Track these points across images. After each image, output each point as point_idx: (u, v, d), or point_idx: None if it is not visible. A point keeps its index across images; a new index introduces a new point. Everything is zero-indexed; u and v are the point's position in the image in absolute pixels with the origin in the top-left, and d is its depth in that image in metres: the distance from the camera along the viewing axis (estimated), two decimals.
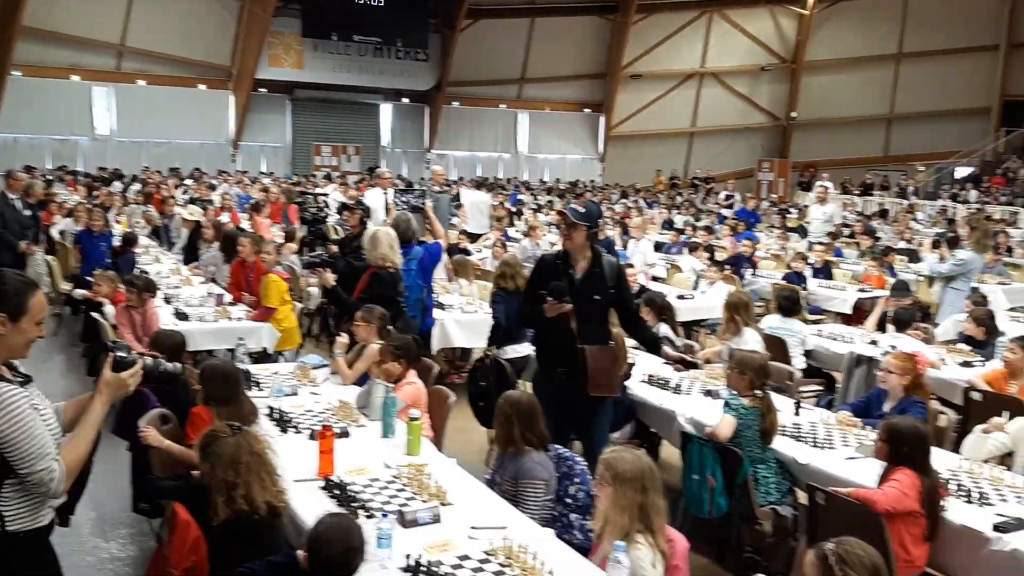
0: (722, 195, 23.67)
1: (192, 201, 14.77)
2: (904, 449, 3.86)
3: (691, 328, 9.08)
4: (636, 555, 3.11)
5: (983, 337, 6.87)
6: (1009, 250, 13.44)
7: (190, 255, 10.62)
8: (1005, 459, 4.71)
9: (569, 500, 3.97)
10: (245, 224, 12.22)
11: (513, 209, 17.96)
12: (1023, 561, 3.55)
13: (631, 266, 9.28)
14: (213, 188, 18.02)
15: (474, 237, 12.71)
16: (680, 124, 30.72)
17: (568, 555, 3.33)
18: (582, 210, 4.90)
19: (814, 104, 30.19)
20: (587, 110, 30.08)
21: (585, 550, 3.47)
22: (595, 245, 4.99)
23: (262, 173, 24.00)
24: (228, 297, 7.98)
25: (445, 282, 9.07)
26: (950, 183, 25.70)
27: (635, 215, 15.90)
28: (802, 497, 4.46)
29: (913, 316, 7.21)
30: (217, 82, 24.68)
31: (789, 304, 7.20)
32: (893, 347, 6.14)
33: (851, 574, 2.53)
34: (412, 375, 5.10)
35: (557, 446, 4.13)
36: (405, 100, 27.90)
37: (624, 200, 22.43)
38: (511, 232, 13.93)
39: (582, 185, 27.16)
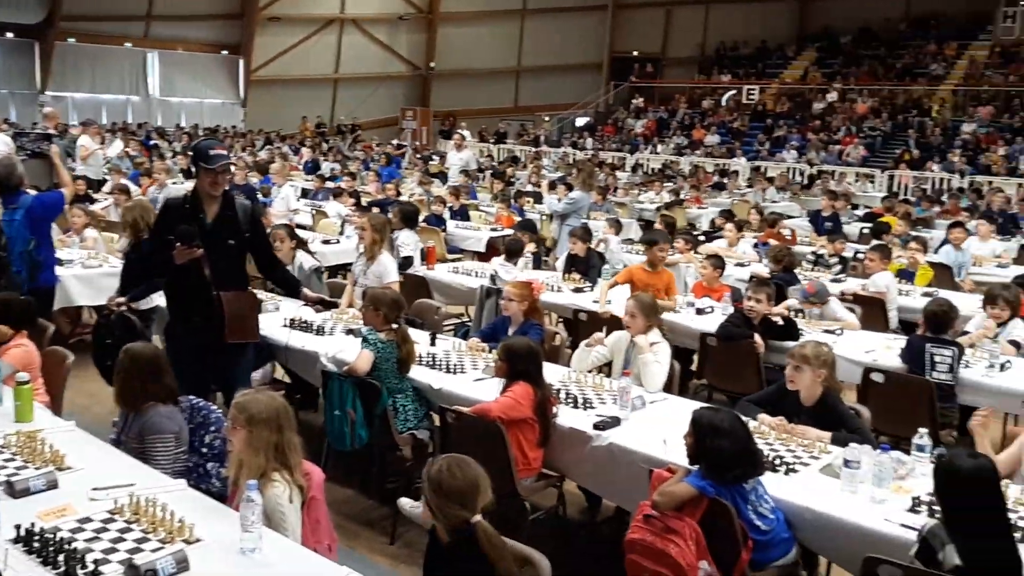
0: (394, 142, 23.99)
1: None
2: (519, 366, 4.28)
3: (338, 271, 9.16)
4: (273, 492, 3.14)
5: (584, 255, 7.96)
6: (615, 190, 15.16)
7: None
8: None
9: (205, 449, 3.87)
10: None
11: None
12: (615, 452, 4.14)
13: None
14: None
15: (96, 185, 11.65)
16: (323, 70, 30.33)
17: (204, 502, 3.28)
18: (227, 152, 4.75)
19: (451, 55, 31.35)
20: (225, 52, 28.57)
21: (224, 497, 3.44)
22: (227, 189, 4.85)
23: None
24: None
25: (62, 235, 8.22)
26: (571, 132, 28.26)
27: (279, 161, 15.54)
28: (437, 420, 4.78)
29: (522, 246, 7.92)
30: None
31: None
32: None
33: (444, 499, 2.81)
34: (21, 337, 4.61)
35: (191, 397, 4.00)
36: (9, 35, 24.48)
37: (268, 147, 21.79)
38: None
39: (223, 131, 25.87)
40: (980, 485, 3.02)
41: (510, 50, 31.30)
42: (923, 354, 5.30)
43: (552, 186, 11.48)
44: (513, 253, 7.70)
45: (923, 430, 3.97)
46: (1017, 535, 3.19)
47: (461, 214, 11.65)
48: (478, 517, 2.84)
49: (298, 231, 9.72)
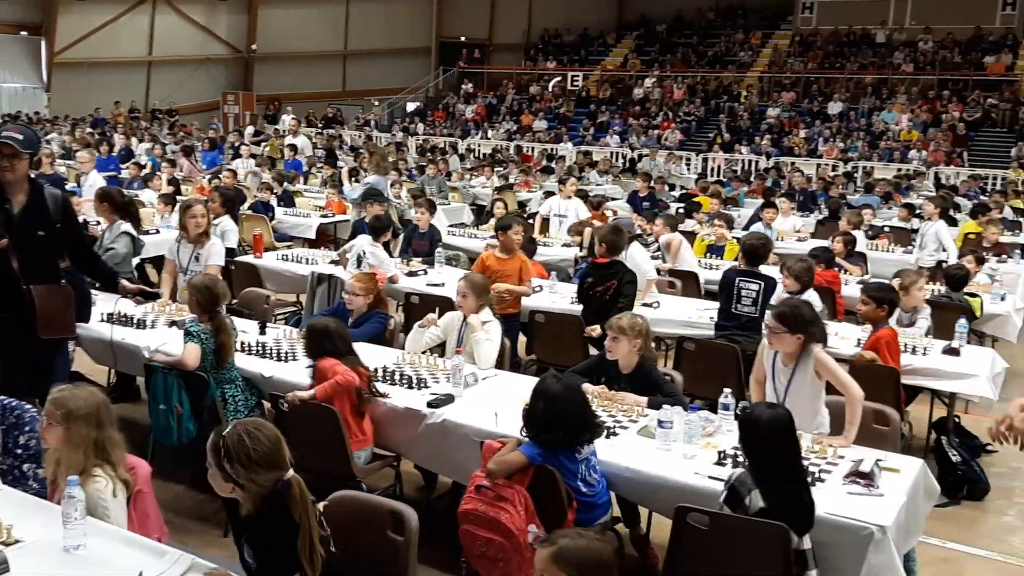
0: (250, 130, 22.91)
1: None
2: (320, 345, 4.42)
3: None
4: (95, 487, 3.06)
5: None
6: (448, 175, 15.29)
7: None
8: None
9: (20, 451, 3.67)
10: None
11: None
12: (449, 428, 4.27)
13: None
14: None
15: None
16: (136, 52, 28.64)
17: (23, 501, 3.16)
18: (21, 136, 4.43)
19: (274, 38, 30.37)
20: (25, 33, 26.46)
21: (43, 497, 3.30)
22: (34, 177, 4.59)
23: None
24: None
25: None
26: (402, 117, 28.14)
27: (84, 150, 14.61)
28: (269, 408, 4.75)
29: (387, 223, 7.82)
30: None
31: None
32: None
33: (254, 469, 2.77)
34: None
35: (2, 396, 3.79)
36: None
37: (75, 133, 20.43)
38: None
39: (26, 117, 24.00)
40: (778, 434, 3.37)
41: (336, 33, 30.70)
42: (732, 286, 5.76)
43: (352, 173, 11.32)
44: (378, 231, 7.46)
45: (727, 390, 4.33)
46: (809, 479, 3.57)
47: (285, 200, 11.41)
48: (291, 472, 2.82)
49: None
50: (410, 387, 4.64)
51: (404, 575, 3.17)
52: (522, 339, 6.59)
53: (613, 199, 14.02)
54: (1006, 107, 22.11)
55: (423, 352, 5.23)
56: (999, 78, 23.11)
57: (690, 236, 9.75)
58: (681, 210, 11.44)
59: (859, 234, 9.33)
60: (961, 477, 5.32)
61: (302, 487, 2.81)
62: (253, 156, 16.24)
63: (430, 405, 4.35)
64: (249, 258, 7.85)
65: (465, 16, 30.76)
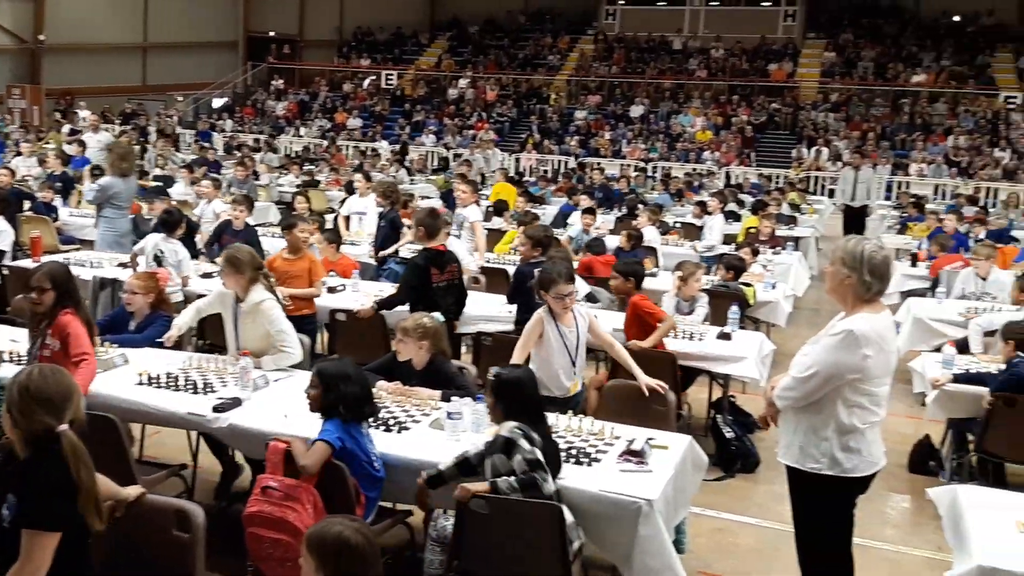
0: (67, 128, 20.90)
1: None
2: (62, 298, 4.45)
3: None
4: None
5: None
6: (255, 174, 14.83)
7: None
8: None
9: None
10: None
11: None
12: (237, 432, 4.19)
13: None
14: None
15: None
16: None
17: None
18: None
19: (65, 28, 28.27)
20: None
21: None
22: None
23: None
24: None
25: None
26: (208, 113, 27.01)
27: None
28: None
29: (180, 218, 7.37)
30: None
31: None
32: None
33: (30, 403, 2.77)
34: None
35: None
36: None
37: None
38: None
39: None
40: (518, 387, 3.75)
41: (134, 24, 28.96)
42: (528, 277, 5.98)
43: (93, 171, 10.65)
44: (171, 226, 7.06)
45: None
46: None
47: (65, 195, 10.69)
48: (65, 426, 2.76)
49: None
50: (195, 391, 4.50)
51: (192, 574, 3.14)
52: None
53: (427, 197, 14.12)
54: (788, 111, 24.02)
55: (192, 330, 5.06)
56: (781, 84, 25.07)
57: (499, 234, 10.00)
58: (490, 208, 11.67)
59: (653, 229, 9.88)
60: (735, 452, 5.76)
61: (76, 445, 2.75)
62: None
63: (215, 410, 4.25)
64: (27, 262, 7.32)
65: (275, 11, 29.90)
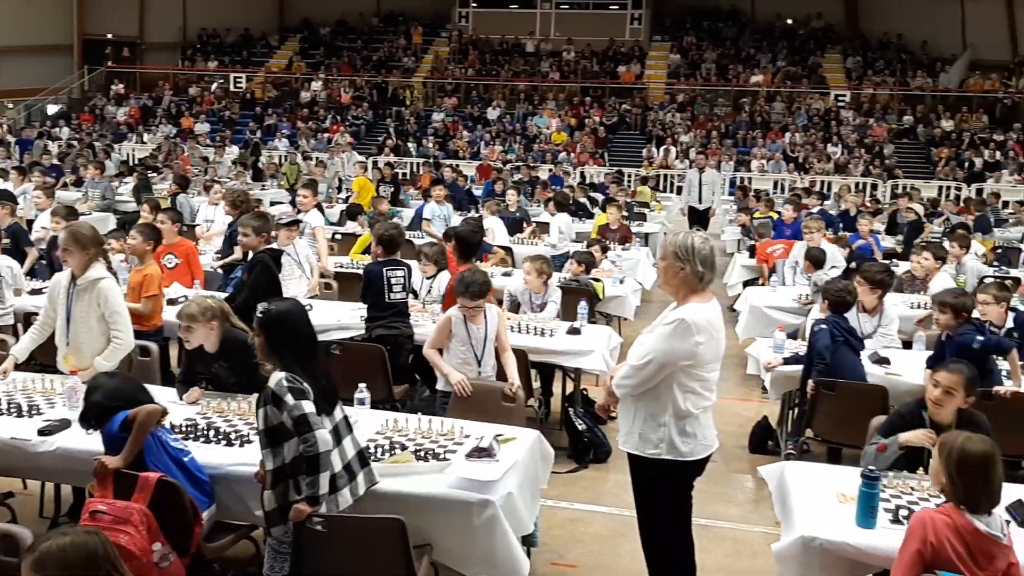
0: None
1: None
2: None
3: None
4: None
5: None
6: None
7: None
8: None
9: None
10: None
11: None
12: (65, 456, 3.95)
13: None
14: None
15: None
16: None
17: None
18: None
19: None
20: None
21: None
22: None
23: None
24: None
25: None
26: (41, 120, 25.42)
27: None
28: None
29: None
30: None
31: None
32: None
33: None
34: None
35: None
36: None
37: None
38: None
39: None
40: (285, 319, 3.59)
41: None
42: (381, 278, 5.93)
43: None
44: None
45: (362, 385, 4.46)
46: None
47: None
48: None
49: None
50: (20, 415, 4.22)
51: None
52: None
53: (278, 203, 13.76)
54: (637, 112, 24.82)
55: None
56: (630, 86, 25.89)
57: (353, 238, 9.86)
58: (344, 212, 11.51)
59: (496, 220, 10.13)
60: (587, 443, 5.90)
61: None
62: None
63: (41, 433, 3.99)
64: None
65: (112, 12, 28.38)
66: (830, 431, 5.33)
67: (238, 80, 26.53)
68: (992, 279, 7.79)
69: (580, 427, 5.90)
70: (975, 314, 5.38)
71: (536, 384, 6.30)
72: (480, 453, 3.90)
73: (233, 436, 4.03)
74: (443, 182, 12.41)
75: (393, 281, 6.02)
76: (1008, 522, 3.20)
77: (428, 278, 6.70)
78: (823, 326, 5.43)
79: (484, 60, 27.62)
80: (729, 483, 5.66)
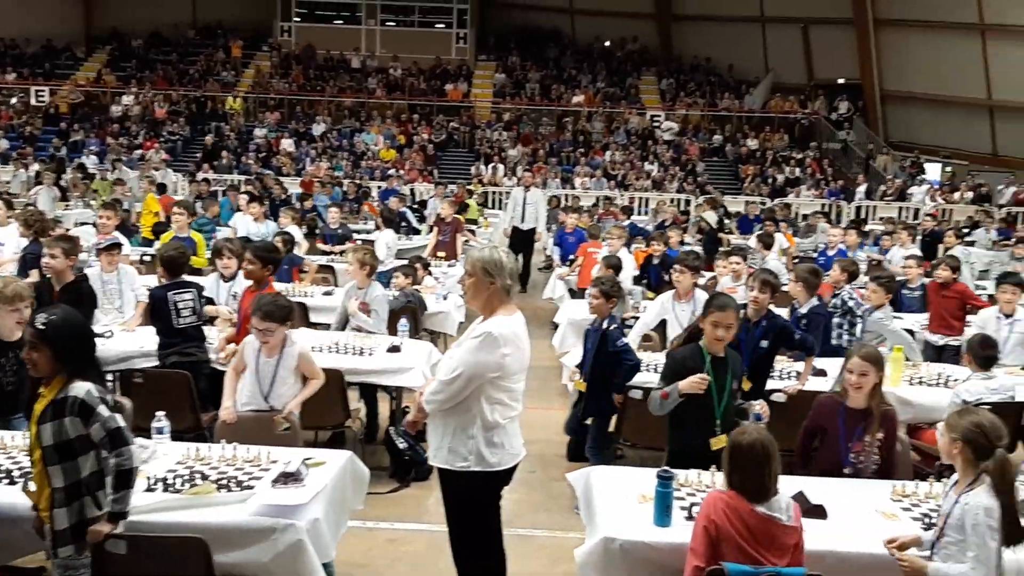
0: None
1: None
2: None
3: None
4: None
5: None
6: None
7: None
8: None
9: None
10: None
11: None
12: None
13: None
14: None
15: None
16: None
17: None
18: None
19: None
20: None
21: None
22: None
23: None
24: None
25: None
26: None
27: None
28: None
29: None
30: None
31: None
32: None
33: None
34: None
35: None
36: None
37: None
38: None
39: None
40: (71, 326, 3.38)
41: None
42: (167, 302, 5.67)
43: None
44: None
45: (160, 413, 4.24)
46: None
47: None
48: None
49: None
50: None
51: None
52: None
53: (83, 224, 12.94)
54: (465, 130, 25.09)
55: None
56: (458, 104, 26.15)
57: None
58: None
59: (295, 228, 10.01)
60: (408, 462, 5.86)
61: None
62: None
63: None
64: None
65: None
66: (637, 436, 5.55)
67: (40, 93, 24.76)
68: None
69: (401, 445, 5.85)
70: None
71: (358, 404, 6.23)
72: (287, 478, 3.80)
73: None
74: (260, 199, 12.05)
75: (181, 305, 5.74)
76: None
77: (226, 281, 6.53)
78: (615, 325, 5.64)
79: (308, 75, 27.12)
80: (547, 491, 5.78)
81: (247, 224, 10.48)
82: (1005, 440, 3.13)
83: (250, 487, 3.75)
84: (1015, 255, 11.72)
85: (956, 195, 21.28)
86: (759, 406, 4.48)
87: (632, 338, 6.68)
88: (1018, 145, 23.21)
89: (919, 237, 12.89)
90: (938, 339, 7.60)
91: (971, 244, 13.74)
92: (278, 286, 6.64)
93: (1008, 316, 6.84)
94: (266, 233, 10.60)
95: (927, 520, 3.68)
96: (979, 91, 23.47)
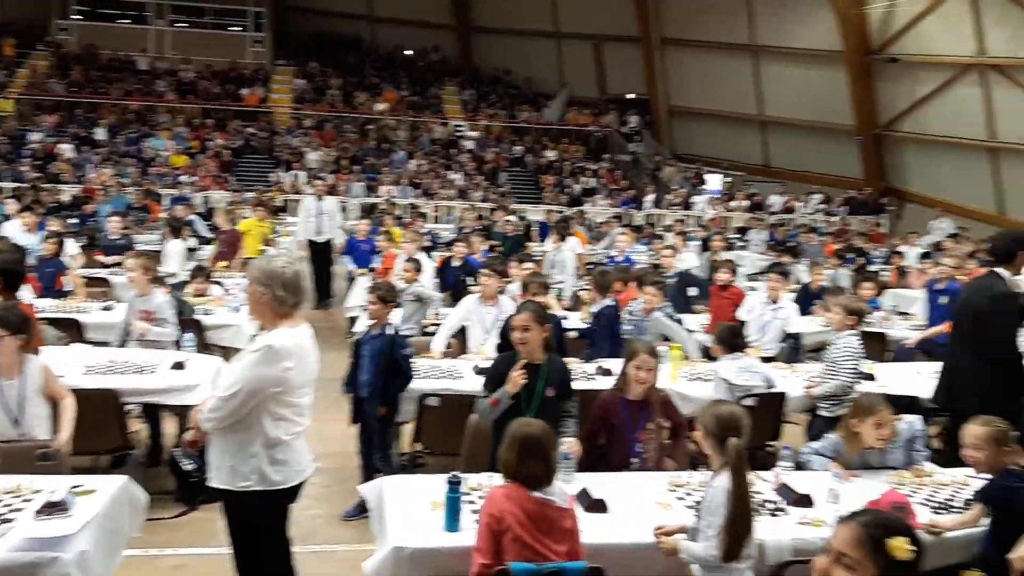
0: None
1: None
2: None
3: None
4: None
5: None
6: None
7: None
8: None
9: None
10: None
11: None
12: None
13: None
14: None
15: None
16: None
17: None
18: None
19: None
20: None
21: None
22: None
23: None
24: None
25: None
26: None
27: None
28: None
29: None
30: None
31: None
32: None
33: None
34: None
35: None
36: None
37: None
38: None
39: None
40: None
41: None
42: None
43: None
44: None
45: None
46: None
47: None
48: None
49: None
50: None
51: None
52: None
53: None
54: (264, 136, 24.30)
55: None
56: (256, 109, 25.28)
57: None
58: None
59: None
60: (196, 484, 5.58)
61: None
62: None
63: None
64: None
65: None
66: (434, 443, 5.59)
67: None
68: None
69: (187, 467, 5.53)
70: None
71: (141, 426, 5.90)
72: (52, 508, 3.53)
73: None
74: (32, 208, 11.16)
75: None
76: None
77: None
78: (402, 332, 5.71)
79: (90, 76, 25.32)
80: (344, 505, 5.70)
81: (17, 233, 9.68)
82: (742, 429, 3.42)
83: (8, 520, 3.46)
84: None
85: (733, 203, 22.95)
86: (566, 446, 4.35)
87: (437, 341, 6.75)
88: (786, 157, 25.41)
89: (696, 242, 13.94)
90: None
91: (744, 247, 15.01)
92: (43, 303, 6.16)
93: (773, 302, 7.56)
94: (37, 243, 9.84)
95: (698, 507, 3.94)
96: (752, 107, 25.47)
